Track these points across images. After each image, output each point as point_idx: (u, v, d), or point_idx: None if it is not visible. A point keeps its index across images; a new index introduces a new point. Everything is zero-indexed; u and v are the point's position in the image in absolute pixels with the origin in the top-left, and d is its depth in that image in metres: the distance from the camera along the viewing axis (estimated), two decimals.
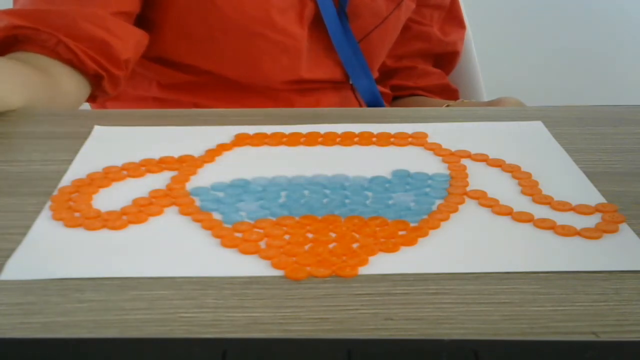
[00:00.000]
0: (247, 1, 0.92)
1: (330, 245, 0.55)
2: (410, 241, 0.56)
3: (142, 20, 0.94)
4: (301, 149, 0.71)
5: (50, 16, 0.81)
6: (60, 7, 0.81)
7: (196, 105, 0.98)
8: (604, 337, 0.46)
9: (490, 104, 0.98)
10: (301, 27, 0.96)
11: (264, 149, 0.71)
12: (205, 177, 0.65)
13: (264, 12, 0.93)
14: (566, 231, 0.57)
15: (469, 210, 0.61)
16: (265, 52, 0.95)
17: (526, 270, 0.52)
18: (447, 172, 0.67)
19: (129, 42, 0.87)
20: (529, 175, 0.66)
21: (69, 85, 0.85)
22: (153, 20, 0.94)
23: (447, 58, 1.17)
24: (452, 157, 0.70)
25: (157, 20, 0.94)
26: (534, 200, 0.62)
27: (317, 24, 0.98)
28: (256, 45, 0.94)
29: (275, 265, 0.53)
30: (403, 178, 0.66)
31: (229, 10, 0.92)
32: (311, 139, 0.73)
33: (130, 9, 0.90)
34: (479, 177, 0.66)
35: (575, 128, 0.77)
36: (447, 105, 1.05)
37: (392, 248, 0.55)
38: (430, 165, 0.69)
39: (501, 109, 0.88)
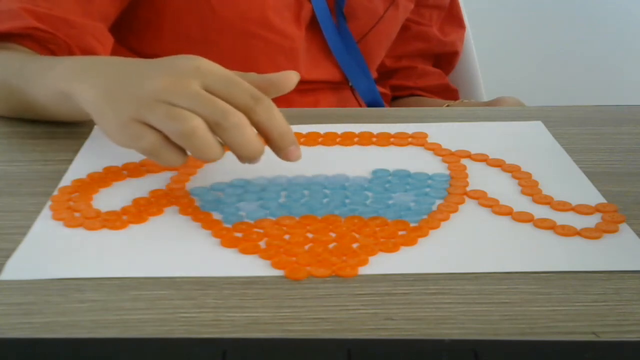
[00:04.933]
0: (243, 2, 0.92)
1: (330, 245, 0.55)
2: (410, 241, 0.56)
3: (139, 20, 0.94)
4: (301, 149, 0.71)
5: (66, 24, 0.81)
6: (69, 15, 0.82)
7: None
8: (604, 337, 0.46)
9: (490, 104, 0.98)
10: (298, 28, 0.96)
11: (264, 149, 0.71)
12: (205, 177, 0.65)
13: (260, 12, 0.93)
14: (566, 231, 0.57)
15: (469, 210, 0.61)
16: (262, 52, 0.95)
17: (526, 270, 0.52)
18: (447, 172, 0.67)
19: (108, 50, 0.88)
20: (529, 175, 0.66)
21: None
22: (150, 20, 0.94)
23: (446, 58, 1.17)
24: (452, 157, 0.70)
25: (154, 21, 0.94)
26: (534, 200, 0.62)
27: (315, 24, 0.98)
28: (253, 46, 0.94)
29: (275, 265, 0.53)
30: (403, 178, 0.66)
31: (224, 11, 0.92)
32: (311, 139, 0.73)
33: (114, 13, 0.90)
34: (479, 177, 0.66)
35: (575, 128, 0.77)
36: (447, 106, 1.05)
37: (392, 248, 0.55)
38: (430, 165, 0.69)
39: (501, 109, 0.88)
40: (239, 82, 0.60)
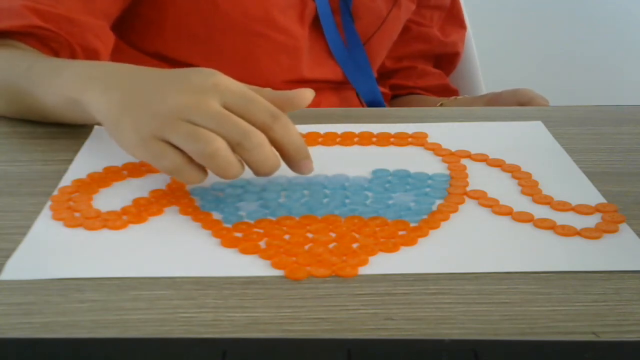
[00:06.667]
0: (248, 0, 0.92)
1: (330, 245, 0.55)
2: (410, 241, 0.56)
3: (142, 17, 0.94)
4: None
5: (68, 23, 0.81)
6: (71, 13, 0.82)
7: None
8: (604, 337, 0.46)
9: (495, 97, 0.98)
10: (302, 27, 0.96)
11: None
12: None
13: (264, 11, 0.93)
14: (566, 231, 0.57)
15: (469, 210, 0.61)
16: (265, 51, 0.95)
17: (526, 270, 0.52)
18: (447, 172, 0.67)
19: (109, 49, 0.88)
20: (529, 175, 0.66)
21: None
22: (153, 17, 0.93)
23: (447, 59, 1.17)
24: (452, 157, 0.70)
25: (157, 19, 0.93)
26: (534, 200, 0.62)
27: (318, 24, 0.98)
28: (256, 45, 0.94)
29: (275, 265, 0.53)
30: (403, 178, 0.66)
31: (229, 9, 0.92)
32: (311, 139, 0.73)
33: (116, 11, 0.90)
34: (479, 177, 0.66)
35: (575, 128, 0.77)
36: (441, 104, 1.04)
37: (392, 248, 0.55)
38: (430, 165, 0.69)
39: (501, 109, 0.88)
40: (257, 99, 0.60)
